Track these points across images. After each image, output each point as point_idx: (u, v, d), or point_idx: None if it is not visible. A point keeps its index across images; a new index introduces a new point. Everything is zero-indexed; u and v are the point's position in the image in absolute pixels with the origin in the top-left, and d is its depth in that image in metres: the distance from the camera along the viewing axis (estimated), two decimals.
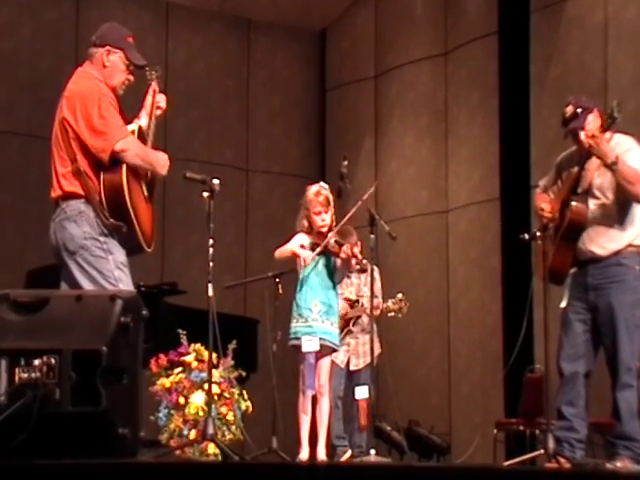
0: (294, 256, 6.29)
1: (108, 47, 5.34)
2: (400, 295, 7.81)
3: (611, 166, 5.73)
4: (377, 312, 7.43)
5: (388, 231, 6.35)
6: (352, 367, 7.89)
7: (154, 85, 5.62)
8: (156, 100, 5.56)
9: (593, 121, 5.86)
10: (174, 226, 10.73)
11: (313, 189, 6.39)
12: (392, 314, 7.78)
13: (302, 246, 6.31)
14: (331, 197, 6.35)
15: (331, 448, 7.51)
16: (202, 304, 5.82)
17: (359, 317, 7.86)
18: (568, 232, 5.89)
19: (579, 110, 5.88)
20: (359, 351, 7.89)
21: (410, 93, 11.59)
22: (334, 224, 6.35)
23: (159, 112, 5.56)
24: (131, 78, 5.41)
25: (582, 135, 5.83)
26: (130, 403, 4.11)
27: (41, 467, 3.65)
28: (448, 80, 11.17)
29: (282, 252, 6.38)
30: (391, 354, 8.49)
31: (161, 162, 5.37)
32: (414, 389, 10.81)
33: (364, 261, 7.71)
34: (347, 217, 6.37)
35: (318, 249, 6.24)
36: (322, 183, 6.49)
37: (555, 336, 5.97)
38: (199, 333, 6.12)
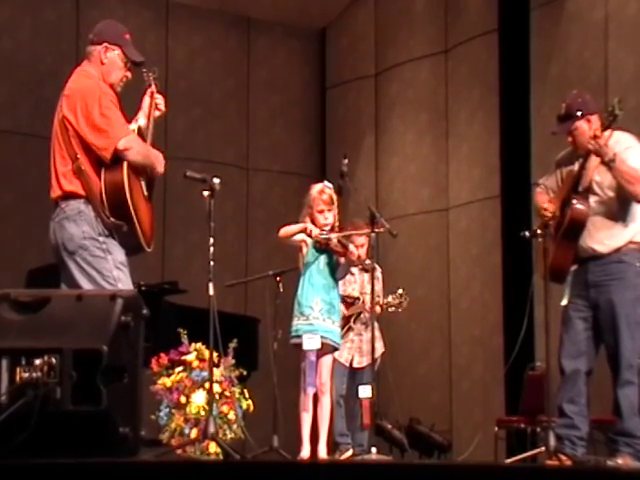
0: (301, 233, 6.24)
1: (106, 44, 5.32)
2: (400, 290, 7.82)
3: (609, 163, 5.74)
4: (377, 310, 7.44)
5: (389, 229, 6.35)
6: (355, 365, 7.88)
7: (152, 87, 5.60)
8: (155, 101, 5.52)
9: (581, 127, 5.88)
10: (174, 225, 10.73)
11: (317, 187, 6.39)
12: (392, 309, 7.80)
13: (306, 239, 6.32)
14: (335, 197, 6.35)
15: (333, 445, 7.51)
16: (203, 303, 5.82)
17: (360, 314, 7.86)
18: (569, 231, 5.89)
19: (570, 114, 5.91)
20: (363, 349, 7.89)
21: (410, 91, 11.59)
22: (337, 224, 6.35)
23: (158, 113, 5.53)
24: (129, 75, 5.38)
25: (570, 139, 5.91)
26: (131, 402, 4.11)
27: (42, 466, 3.64)
28: (448, 78, 11.16)
29: (288, 230, 6.32)
30: (392, 352, 8.49)
31: (159, 160, 5.37)
32: (415, 387, 10.81)
33: (367, 261, 7.76)
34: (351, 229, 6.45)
35: (325, 235, 6.22)
36: (326, 182, 6.48)
37: (556, 333, 5.97)
38: (200, 332, 6.12)
